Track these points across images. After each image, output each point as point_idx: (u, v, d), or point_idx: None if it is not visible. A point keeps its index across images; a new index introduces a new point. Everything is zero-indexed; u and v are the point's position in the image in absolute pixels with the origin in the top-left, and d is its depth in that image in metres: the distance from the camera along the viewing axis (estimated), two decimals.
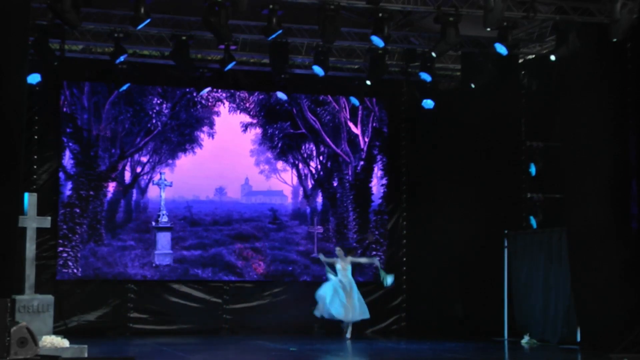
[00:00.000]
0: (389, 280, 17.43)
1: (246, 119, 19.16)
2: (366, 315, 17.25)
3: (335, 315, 16.93)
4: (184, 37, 16.16)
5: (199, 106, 18.87)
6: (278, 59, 16.52)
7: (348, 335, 17.05)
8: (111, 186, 18.24)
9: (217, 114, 19.00)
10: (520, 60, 18.06)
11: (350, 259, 17.39)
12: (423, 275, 18.96)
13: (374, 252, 19.42)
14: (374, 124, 19.74)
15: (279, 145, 19.34)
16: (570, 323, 15.94)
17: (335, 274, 17.20)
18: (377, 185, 19.72)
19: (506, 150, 18.00)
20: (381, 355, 15.64)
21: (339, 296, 16.91)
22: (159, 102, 18.64)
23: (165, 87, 18.64)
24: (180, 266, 18.47)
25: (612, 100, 15.13)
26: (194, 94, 18.59)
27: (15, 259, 11.56)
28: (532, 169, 17.45)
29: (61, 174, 17.86)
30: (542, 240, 16.91)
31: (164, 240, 18.46)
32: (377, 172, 19.72)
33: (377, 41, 15.02)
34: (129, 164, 18.40)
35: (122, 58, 16.24)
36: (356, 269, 19.09)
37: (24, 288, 13.00)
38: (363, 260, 17.97)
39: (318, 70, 16.89)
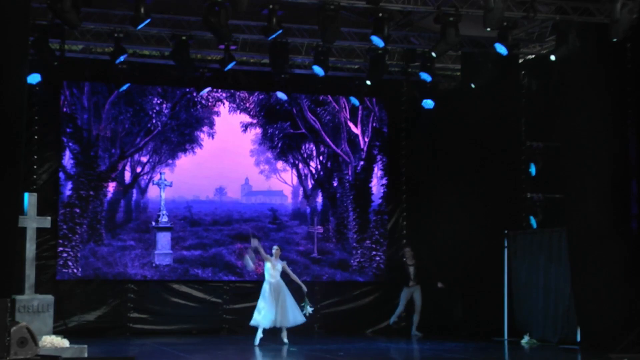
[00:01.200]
0: (309, 309, 16.12)
1: (246, 119, 19.15)
2: (299, 320, 16.00)
3: (266, 325, 15.82)
4: (184, 37, 16.16)
5: (199, 106, 18.87)
6: (278, 59, 16.51)
7: (284, 339, 15.92)
8: (111, 186, 18.24)
9: (217, 114, 19.00)
10: (520, 60, 18.06)
11: (284, 264, 16.18)
12: (423, 275, 18.93)
13: (374, 252, 19.43)
14: (374, 124, 19.73)
15: (279, 145, 19.33)
16: (570, 323, 15.93)
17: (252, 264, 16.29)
18: (377, 185, 19.71)
19: (506, 150, 17.98)
20: (381, 355, 15.63)
21: (267, 303, 15.82)
22: (159, 102, 18.64)
23: (165, 87, 18.64)
24: (180, 266, 18.47)
25: (612, 100, 15.13)
26: (194, 94, 18.59)
27: (15, 259, 11.54)
28: (532, 169, 17.45)
29: (61, 174, 17.85)
30: (542, 240, 16.90)
31: (164, 240, 18.46)
32: (377, 172, 19.71)
33: (377, 41, 15.02)
34: (129, 164, 18.40)
35: (122, 58, 16.25)
36: (356, 269, 19.11)
37: (24, 288, 13.02)
38: (294, 277, 16.27)
39: (318, 70, 16.88)
